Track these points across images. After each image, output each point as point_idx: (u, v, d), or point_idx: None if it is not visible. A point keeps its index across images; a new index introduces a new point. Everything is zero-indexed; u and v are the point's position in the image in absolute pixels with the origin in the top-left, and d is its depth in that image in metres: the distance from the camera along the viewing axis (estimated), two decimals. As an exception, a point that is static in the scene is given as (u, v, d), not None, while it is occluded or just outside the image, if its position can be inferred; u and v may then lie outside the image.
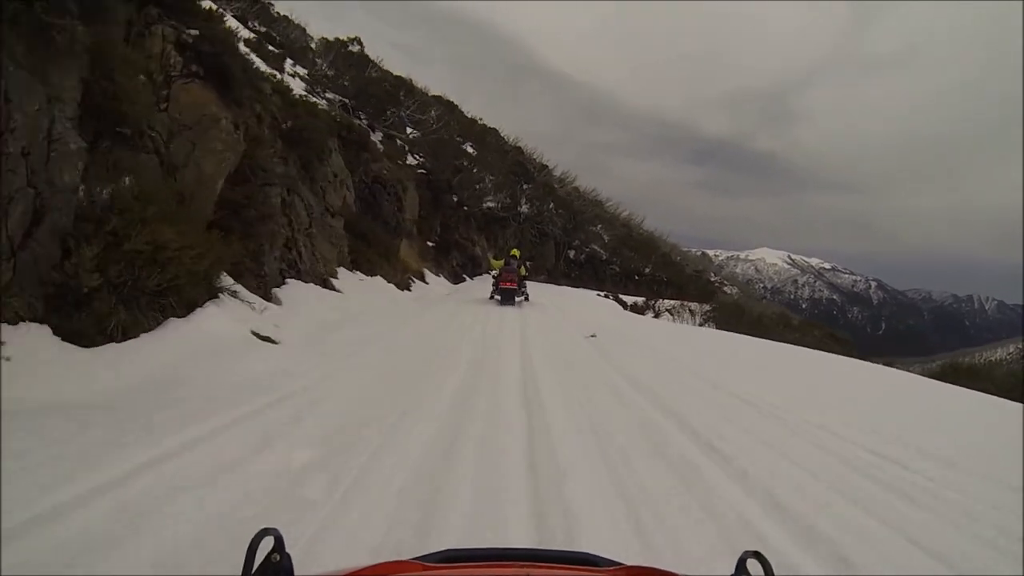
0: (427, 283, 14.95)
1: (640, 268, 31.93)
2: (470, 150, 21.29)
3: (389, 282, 11.32)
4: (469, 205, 20.15)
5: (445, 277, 17.61)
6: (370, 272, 10.72)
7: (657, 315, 18.95)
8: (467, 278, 19.43)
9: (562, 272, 26.65)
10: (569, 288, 23.17)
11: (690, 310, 19.30)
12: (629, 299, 20.84)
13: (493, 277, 12.19)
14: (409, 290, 12.45)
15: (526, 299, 12.37)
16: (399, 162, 16.36)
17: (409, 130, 18.70)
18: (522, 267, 12.16)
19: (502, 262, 12.07)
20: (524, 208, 25.25)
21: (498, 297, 11.79)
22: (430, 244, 17.82)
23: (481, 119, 28.02)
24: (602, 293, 20.82)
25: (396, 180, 14.20)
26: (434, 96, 22.80)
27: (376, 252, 11.43)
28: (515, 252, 12.47)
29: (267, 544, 0.75)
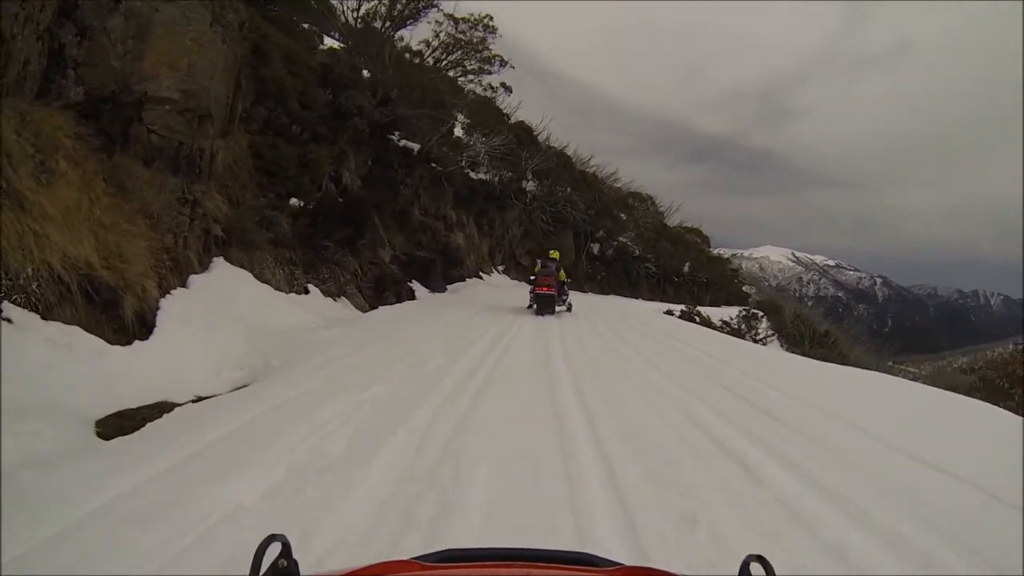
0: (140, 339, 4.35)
1: (678, 267, 24.84)
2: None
3: None
4: (442, 163, 12.33)
5: (350, 299, 8.48)
6: None
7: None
8: (423, 288, 10.79)
9: (584, 273, 19.31)
10: (613, 298, 15.83)
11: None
12: (704, 311, 13.49)
13: (529, 282, 11.11)
14: None
15: (568, 309, 11.02)
16: None
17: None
18: (561, 271, 11.15)
19: (539, 267, 10.99)
20: (531, 185, 17.92)
21: (535, 306, 10.42)
22: (302, 203, 7.99)
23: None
24: (676, 310, 13.36)
25: None
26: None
27: None
28: (554, 254, 11.51)
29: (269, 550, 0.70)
